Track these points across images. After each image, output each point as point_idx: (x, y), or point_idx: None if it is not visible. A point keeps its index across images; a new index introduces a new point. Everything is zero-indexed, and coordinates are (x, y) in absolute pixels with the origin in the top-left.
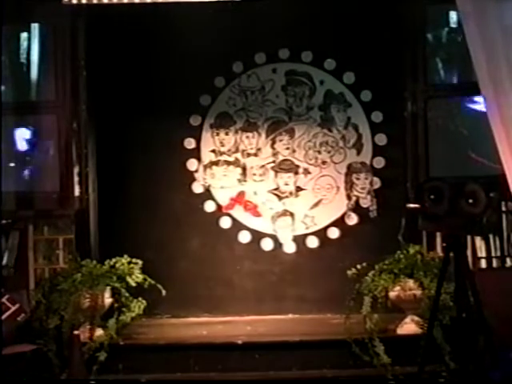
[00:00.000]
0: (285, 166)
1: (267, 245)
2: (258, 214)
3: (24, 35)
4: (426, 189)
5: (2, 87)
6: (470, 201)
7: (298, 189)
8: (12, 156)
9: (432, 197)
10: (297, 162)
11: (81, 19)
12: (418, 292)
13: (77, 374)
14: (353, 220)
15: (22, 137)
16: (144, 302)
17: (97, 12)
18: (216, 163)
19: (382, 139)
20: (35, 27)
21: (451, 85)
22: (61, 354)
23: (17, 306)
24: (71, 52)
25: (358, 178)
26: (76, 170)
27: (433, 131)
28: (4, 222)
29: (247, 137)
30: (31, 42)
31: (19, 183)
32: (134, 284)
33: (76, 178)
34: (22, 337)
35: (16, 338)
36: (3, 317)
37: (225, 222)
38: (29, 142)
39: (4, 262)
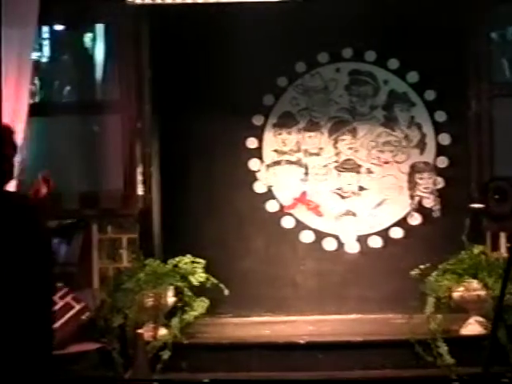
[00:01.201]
0: (347, 166)
1: (330, 245)
2: (320, 214)
3: (89, 36)
4: (490, 189)
5: (68, 87)
6: None
7: (361, 188)
8: (77, 155)
9: (496, 197)
10: (359, 162)
11: (145, 19)
12: (482, 292)
13: (141, 372)
14: (416, 220)
15: (86, 136)
16: (207, 301)
17: (160, 12)
18: (278, 163)
19: (445, 139)
20: (100, 28)
21: None
22: (125, 352)
23: (81, 304)
24: (135, 52)
25: (421, 178)
26: (140, 169)
27: (497, 130)
28: (69, 221)
29: (310, 136)
30: (96, 43)
31: (84, 182)
32: (196, 283)
33: (140, 178)
34: (87, 335)
35: (80, 337)
36: (68, 315)
37: (287, 222)
38: (93, 141)
39: (68, 260)
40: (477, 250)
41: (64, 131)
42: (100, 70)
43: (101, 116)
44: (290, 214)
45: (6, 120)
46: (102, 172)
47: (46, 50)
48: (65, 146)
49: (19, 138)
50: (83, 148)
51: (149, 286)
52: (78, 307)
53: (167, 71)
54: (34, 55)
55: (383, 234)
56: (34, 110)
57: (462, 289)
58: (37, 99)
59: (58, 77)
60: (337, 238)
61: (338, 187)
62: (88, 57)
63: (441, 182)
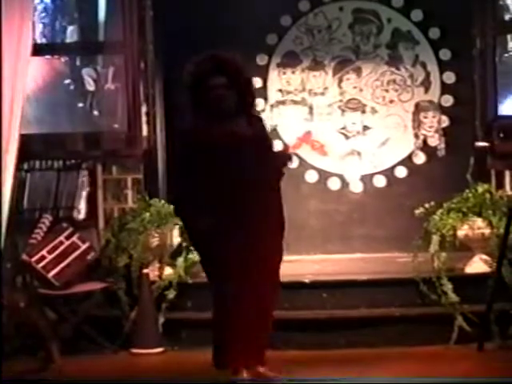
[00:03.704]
0: (352, 105)
1: (334, 184)
2: (324, 154)
3: None
4: (494, 127)
5: (71, 27)
6: None
7: (365, 128)
8: (80, 96)
9: (501, 135)
10: (364, 101)
11: None
12: (487, 231)
13: (146, 311)
14: (420, 159)
15: (89, 77)
16: None
17: None
18: (283, 103)
19: (450, 77)
20: None
21: None
22: (130, 292)
23: (87, 244)
24: None
25: (425, 117)
26: (144, 109)
27: (502, 68)
28: (73, 161)
29: (314, 76)
30: None
31: (87, 123)
32: None
33: (144, 118)
34: (92, 275)
35: (86, 277)
36: (73, 255)
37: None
38: (96, 81)
39: (73, 200)
40: (481, 188)
41: (66, 71)
42: (103, 10)
43: (103, 56)
44: (295, 154)
45: (8, 61)
46: (106, 113)
47: None
48: (68, 87)
49: (22, 79)
50: (86, 88)
51: (153, 225)
52: (83, 247)
53: (170, 11)
54: None
55: (387, 173)
56: (37, 51)
57: (466, 227)
58: (40, 40)
59: (61, 17)
60: (341, 177)
61: (342, 127)
62: None
63: (445, 121)
